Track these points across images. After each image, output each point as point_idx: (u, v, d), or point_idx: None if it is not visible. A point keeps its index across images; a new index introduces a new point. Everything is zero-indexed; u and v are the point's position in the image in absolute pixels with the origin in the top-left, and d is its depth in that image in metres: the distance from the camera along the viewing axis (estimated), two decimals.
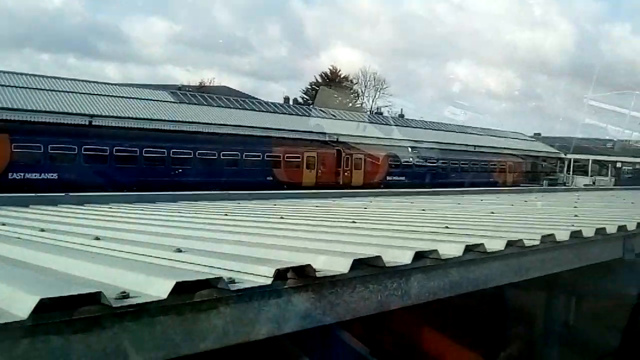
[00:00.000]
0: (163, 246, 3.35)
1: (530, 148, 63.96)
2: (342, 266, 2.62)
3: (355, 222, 5.14)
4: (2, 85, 34.71)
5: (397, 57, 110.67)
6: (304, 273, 2.48)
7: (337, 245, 3.33)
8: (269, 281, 2.35)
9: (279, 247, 3.27)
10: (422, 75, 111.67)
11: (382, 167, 45.39)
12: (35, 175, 29.97)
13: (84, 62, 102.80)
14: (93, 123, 35.10)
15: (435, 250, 3.06)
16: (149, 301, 2.06)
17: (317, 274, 2.52)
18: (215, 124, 40.23)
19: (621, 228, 4.96)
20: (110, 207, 7.54)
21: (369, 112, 67.60)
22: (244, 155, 38.22)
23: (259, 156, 38.94)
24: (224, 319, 2.27)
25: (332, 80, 79.28)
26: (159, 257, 2.98)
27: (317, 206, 8.26)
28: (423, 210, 7.32)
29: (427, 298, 3.07)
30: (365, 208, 7.87)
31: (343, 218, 5.89)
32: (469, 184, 41.73)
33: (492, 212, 6.94)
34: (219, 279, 2.23)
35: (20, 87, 35.43)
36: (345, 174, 43.16)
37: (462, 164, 52.24)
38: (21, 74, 38.11)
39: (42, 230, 4.40)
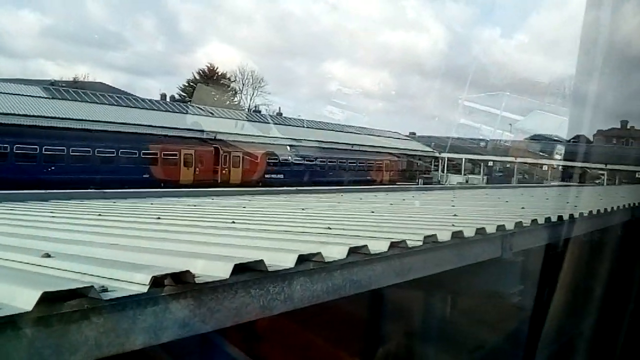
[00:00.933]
0: (30, 250, 3.18)
1: (406, 147, 66.13)
2: (222, 271, 2.56)
3: (234, 222, 5.09)
4: None
5: (274, 55, 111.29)
6: (182, 279, 2.41)
7: (216, 248, 3.27)
8: (144, 289, 2.26)
9: (156, 250, 3.18)
10: (299, 74, 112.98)
11: (260, 166, 45.57)
12: None
13: None
14: None
15: (319, 253, 3.04)
16: (14, 313, 1.94)
17: (196, 280, 2.45)
18: (89, 120, 39.05)
19: (500, 228, 5.09)
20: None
21: (247, 110, 67.40)
22: (119, 153, 37.35)
23: (135, 153, 38.15)
24: (97, 330, 2.16)
25: (210, 77, 78.44)
26: (25, 263, 2.82)
27: (195, 205, 8.14)
28: (303, 209, 7.36)
29: (310, 302, 3.04)
30: (244, 207, 7.83)
31: (222, 218, 5.83)
32: (347, 182, 42.69)
33: (372, 212, 7.07)
34: (90, 287, 2.12)
35: None
36: (224, 172, 43.09)
37: (340, 162, 53.34)
38: None
39: None
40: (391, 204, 9.20)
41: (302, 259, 2.93)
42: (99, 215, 6.12)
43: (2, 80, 44.39)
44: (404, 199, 11.18)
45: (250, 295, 2.73)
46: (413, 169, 64.32)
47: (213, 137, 44.51)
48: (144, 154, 38.58)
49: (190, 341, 2.73)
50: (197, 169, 41.27)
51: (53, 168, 33.58)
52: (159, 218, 5.74)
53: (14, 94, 38.75)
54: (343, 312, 4.31)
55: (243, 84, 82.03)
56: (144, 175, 37.38)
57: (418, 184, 45.75)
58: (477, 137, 59.93)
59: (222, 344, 3.10)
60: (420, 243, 3.90)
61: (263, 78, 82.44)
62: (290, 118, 61.05)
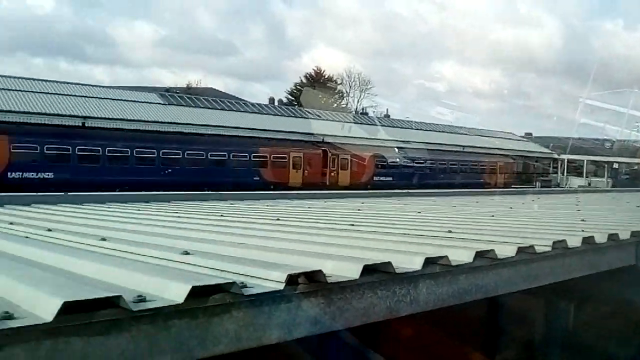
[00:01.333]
0: (170, 248, 3.37)
1: (522, 148, 63.65)
2: (352, 272, 2.61)
3: (353, 225, 5.15)
4: (1, 89, 34.84)
5: (380, 57, 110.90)
6: (314, 279, 2.49)
7: (342, 249, 3.33)
8: (280, 286, 2.37)
9: (284, 250, 3.28)
10: (406, 75, 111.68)
11: (368, 168, 45.32)
12: (32, 175, 30.43)
13: (74, 65, 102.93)
14: (86, 124, 35.18)
15: (445, 257, 3.03)
16: (165, 305, 2.09)
17: (328, 280, 2.52)
18: (202, 125, 40.37)
19: (635, 234, 4.79)
20: (109, 207, 7.59)
21: (354, 113, 67.45)
22: (231, 156, 38.35)
23: (245, 156, 39.07)
24: (237, 324, 2.28)
25: (317, 80, 79.13)
26: (168, 260, 2.99)
27: (309, 207, 8.29)
28: (419, 212, 7.33)
29: (435, 305, 3.04)
30: (359, 210, 7.89)
31: (340, 220, 5.90)
32: (458, 185, 41.84)
33: (492, 215, 6.90)
34: (232, 283, 2.25)
35: (16, 90, 35.66)
36: (332, 174, 43.17)
37: (451, 164, 52.07)
38: (16, 77, 38.38)
39: (49, 230, 4.43)
40: (511, 208, 8.95)
41: (428, 261, 2.93)
42: (221, 215, 6.38)
43: (121, 88, 46.94)
44: (523, 203, 10.86)
45: (377, 296, 2.77)
46: (530, 172, 61.72)
47: (321, 140, 44.89)
48: (254, 157, 39.50)
49: (319, 338, 2.82)
50: (306, 171, 41.68)
51: (169, 171, 35.06)
52: (278, 219, 5.90)
53: (132, 101, 40.79)
54: (462, 317, 4.26)
55: (350, 87, 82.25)
56: (254, 178, 38.28)
57: (535, 187, 44.04)
58: (600, 137, 56.17)
59: (350, 343, 3.15)
60: (549, 249, 3.76)
61: (370, 80, 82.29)
62: (398, 120, 60.49)
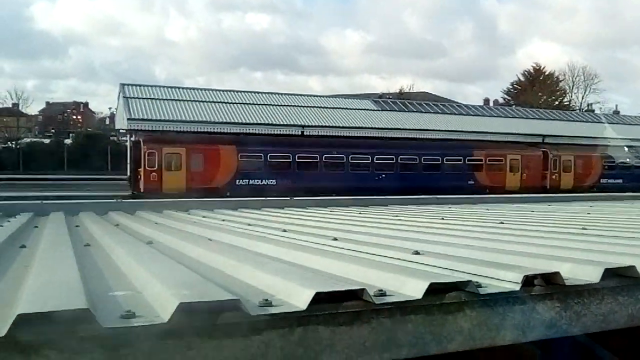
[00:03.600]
0: (400, 248, 3.48)
1: None
2: (591, 275, 2.52)
3: (585, 229, 4.92)
4: (229, 103, 38.20)
5: (604, 47, 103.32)
6: (551, 281, 2.44)
7: (577, 252, 3.20)
8: (517, 287, 2.34)
9: (517, 252, 3.24)
10: (636, 66, 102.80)
11: (594, 169, 42.42)
12: (257, 182, 32.78)
13: (290, 77, 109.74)
14: (304, 133, 37.23)
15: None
16: (404, 300, 2.18)
17: (566, 282, 2.45)
18: (415, 130, 40.64)
19: None
20: (331, 210, 8.01)
21: (578, 110, 63.46)
22: (444, 160, 38.12)
23: (460, 160, 38.59)
24: (471, 322, 2.29)
25: (536, 78, 75.55)
26: (401, 259, 3.09)
27: (532, 211, 8.03)
28: None
29: None
30: (588, 213, 7.48)
31: (569, 224, 5.65)
32: None
33: None
34: (468, 282, 2.28)
35: (240, 103, 38.71)
36: (553, 177, 41.02)
37: None
38: (239, 91, 41.68)
39: (284, 230, 4.80)
40: None
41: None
42: (442, 218, 6.42)
43: (337, 96, 48.91)
44: None
45: (618, 302, 2.60)
46: None
47: (541, 141, 43.03)
48: (468, 160, 38.94)
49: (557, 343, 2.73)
50: (524, 174, 40.11)
51: (383, 176, 35.78)
52: (501, 222, 5.81)
53: (347, 108, 42.28)
54: None
55: (573, 82, 77.18)
56: (469, 182, 37.72)
57: None
58: None
59: (594, 349, 2.98)
60: None
61: (596, 74, 76.39)
62: (628, 116, 55.91)
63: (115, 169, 43.15)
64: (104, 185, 35.13)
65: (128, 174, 34.13)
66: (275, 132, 36.68)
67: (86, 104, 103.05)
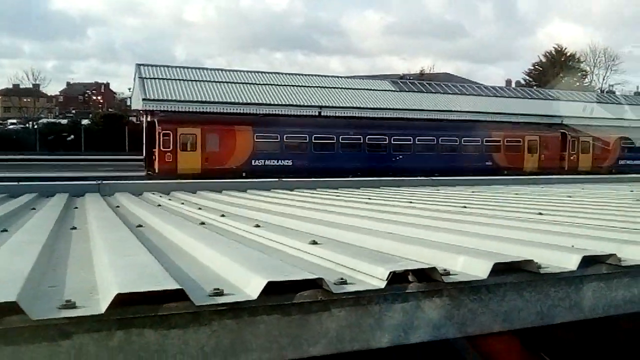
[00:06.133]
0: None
1: None
2: (481, 270, 2.34)
3: (541, 214, 4.80)
4: (245, 83, 38.14)
5: (626, 27, 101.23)
6: (428, 276, 2.27)
7: (483, 241, 3.06)
8: (382, 284, 2.20)
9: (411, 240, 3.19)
10: None
11: (613, 151, 41.91)
12: (273, 162, 32.89)
13: (310, 57, 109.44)
14: (322, 114, 37.11)
15: (613, 255, 2.61)
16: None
17: (450, 279, 2.30)
18: (434, 110, 40.34)
19: None
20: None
21: (598, 92, 62.60)
22: (462, 141, 37.83)
23: (477, 141, 38.27)
24: (338, 323, 2.17)
25: (557, 59, 74.65)
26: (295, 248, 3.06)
27: (516, 194, 7.82)
28: (638, 200, 6.57)
29: (606, 312, 2.62)
30: (570, 197, 7.29)
31: (525, 208, 5.50)
32: None
33: None
34: (321, 279, 2.12)
35: (259, 84, 38.63)
36: (571, 158, 40.64)
37: None
38: (259, 71, 41.56)
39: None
40: None
41: (589, 260, 2.54)
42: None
43: (356, 77, 48.61)
44: None
45: (523, 299, 2.44)
46: None
47: (560, 122, 42.57)
48: (486, 141, 38.63)
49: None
50: (542, 155, 39.76)
51: (400, 157, 35.62)
52: (464, 206, 5.71)
53: (365, 89, 42.01)
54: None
55: (595, 64, 76.28)
56: (487, 163, 37.47)
57: None
58: None
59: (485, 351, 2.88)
60: None
61: (617, 56, 75.51)
62: None
63: (133, 149, 43.27)
64: (119, 166, 35.16)
65: (143, 154, 34.26)
66: (293, 113, 36.63)
67: (107, 85, 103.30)
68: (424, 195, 7.53)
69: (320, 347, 2.12)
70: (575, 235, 3.36)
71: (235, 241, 3.19)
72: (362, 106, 39.12)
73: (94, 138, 51.38)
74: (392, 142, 36.14)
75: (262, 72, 41.57)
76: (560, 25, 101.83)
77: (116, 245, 2.91)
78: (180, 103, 34.12)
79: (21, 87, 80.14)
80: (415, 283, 2.24)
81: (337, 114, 37.73)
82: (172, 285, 1.91)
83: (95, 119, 57.84)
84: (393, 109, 39.73)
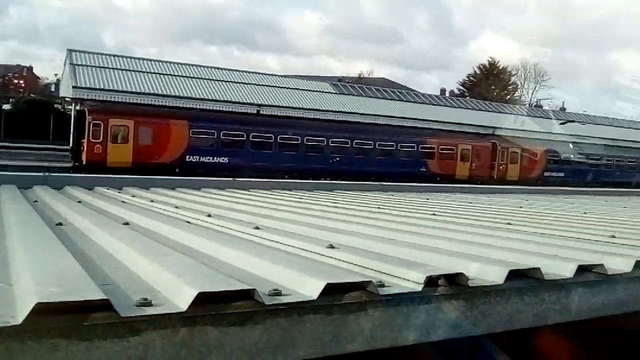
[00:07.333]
0: (317, 240, 3.41)
1: None
2: (496, 276, 2.50)
3: (510, 224, 4.93)
4: (182, 76, 37.50)
5: (553, 45, 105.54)
6: (455, 281, 2.40)
7: (491, 250, 3.19)
8: (419, 287, 2.30)
9: (431, 249, 3.20)
10: (582, 66, 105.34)
11: (539, 163, 43.69)
12: (208, 159, 32.46)
13: (245, 53, 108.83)
14: (260, 112, 36.90)
15: (601, 265, 2.83)
16: (300, 300, 2.10)
17: (470, 283, 2.42)
18: (372, 115, 40.81)
19: None
20: (272, 194, 7.89)
21: (527, 105, 64.88)
22: (398, 146, 38.40)
23: (413, 147, 38.95)
24: (372, 322, 2.24)
25: (491, 72, 77.08)
26: (312, 252, 3.03)
27: (470, 202, 8.06)
28: (585, 213, 6.86)
29: (588, 315, 2.84)
30: (521, 207, 7.55)
31: (498, 218, 5.66)
32: (636, 184, 38.91)
33: None
34: (369, 282, 2.22)
35: (195, 78, 38.13)
36: (500, 167, 42.03)
37: (629, 162, 48.53)
38: (194, 64, 40.95)
39: (209, 215, 4.66)
40: None
41: (581, 269, 2.75)
42: (379, 208, 6.37)
43: (295, 77, 48.69)
44: None
45: (523, 302, 2.63)
46: None
47: (491, 133, 43.74)
48: (421, 147, 39.30)
49: (460, 343, 2.72)
50: (474, 164, 40.89)
51: (337, 159, 35.84)
52: (434, 214, 5.79)
53: (305, 90, 42.13)
54: (624, 330, 3.89)
55: (525, 78, 79.31)
56: (421, 169, 38.22)
57: None
58: None
59: (492, 350, 3.00)
60: None
61: (546, 72, 78.87)
62: (574, 113, 57.34)
63: (58, 139, 41.78)
64: (42, 156, 33.80)
65: (70, 144, 33.19)
66: (231, 110, 36.24)
67: (30, 68, 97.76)
68: (388, 202, 7.55)
69: (357, 344, 2.22)
70: (552, 245, 3.59)
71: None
72: (301, 107, 39.15)
73: (15, 124, 48.73)
74: (330, 144, 36.32)
75: (199, 66, 41.08)
76: (493, 39, 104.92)
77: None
78: (113, 93, 33.25)
79: None
80: (443, 287, 2.39)
81: (276, 113, 37.56)
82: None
83: (18, 104, 55.23)
84: (333, 111, 39.91)
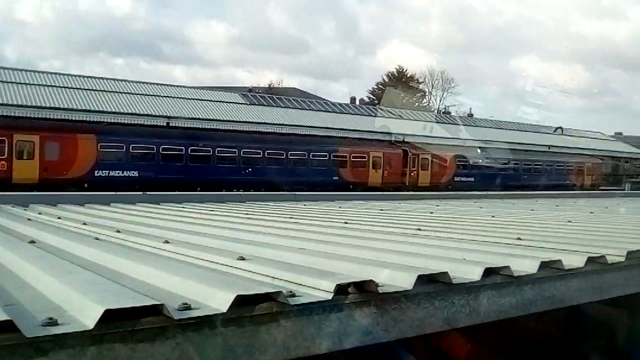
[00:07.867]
0: (228, 252, 3.40)
1: (611, 148, 61.26)
2: (406, 282, 2.55)
3: (420, 230, 5.05)
4: (88, 89, 36.49)
5: (457, 52, 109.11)
6: (365, 288, 2.44)
7: (401, 257, 3.26)
8: (329, 296, 2.33)
9: (342, 257, 3.24)
10: (487, 72, 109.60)
11: (449, 168, 44.87)
12: (118, 173, 31.61)
13: (153, 65, 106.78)
14: (170, 124, 36.27)
15: (507, 267, 2.92)
16: (210, 314, 2.09)
17: (380, 289, 2.46)
18: (283, 125, 40.92)
19: None
20: (184, 207, 7.77)
21: (436, 112, 66.71)
22: (310, 155, 38.62)
23: (325, 156, 39.28)
24: (285, 332, 2.25)
25: (399, 79, 78.76)
26: (222, 264, 3.02)
27: (382, 210, 8.21)
28: (493, 216, 7.13)
29: (497, 316, 2.93)
30: (432, 212, 7.75)
31: (408, 224, 5.79)
32: (542, 187, 40.62)
33: (569, 221, 6.57)
34: (279, 292, 2.23)
35: (102, 91, 37.16)
36: (412, 174, 42.89)
37: (535, 165, 50.72)
38: (101, 77, 39.98)
39: (118, 231, 4.55)
40: (592, 213, 8.53)
41: (488, 272, 2.83)
42: (290, 217, 6.39)
43: (204, 88, 48.25)
44: (606, 207, 10.31)
45: (434, 307, 2.69)
46: (619, 173, 59.22)
47: (401, 140, 44.64)
48: (333, 156, 39.67)
49: (372, 350, 2.76)
50: (386, 171, 41.58)
51: (250, 170, 35.67)
52: (346, 222, 5.86)
53: (215, 101, 41.78)
54: (533, 330, 4.06)
55: (432, 86, 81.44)
56: (334, 178, 38.53)
57: (625, 189, 41.96)
58: None
59: (404, 355, 3.06)
60: (623, 259, 3.54)
61: (453, 79, 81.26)
62: (480, 119, 59.38)
63: None
64: None
65: None
66: (140, 123, 35.43)
67: None
68: (301, 211, 7.56)
69: (269, 355, 2.22)
70: (460, 250, 3.69)
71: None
72: (211, 118, 38.77)
73: None
74: (242, 155, 36.11)
75: (106, 79, 40.20)
76: (400, 47, 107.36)
77: None
78: (17, 108, 31.93)
79: None
80: (354, 294, 2.41)
81: (186, 125, 37.02)
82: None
83: None
84: (243, 121, 39.75)
